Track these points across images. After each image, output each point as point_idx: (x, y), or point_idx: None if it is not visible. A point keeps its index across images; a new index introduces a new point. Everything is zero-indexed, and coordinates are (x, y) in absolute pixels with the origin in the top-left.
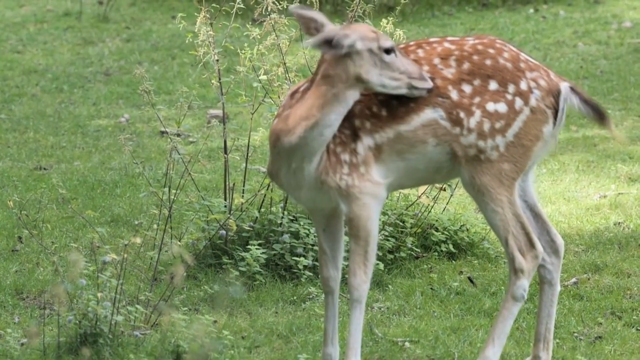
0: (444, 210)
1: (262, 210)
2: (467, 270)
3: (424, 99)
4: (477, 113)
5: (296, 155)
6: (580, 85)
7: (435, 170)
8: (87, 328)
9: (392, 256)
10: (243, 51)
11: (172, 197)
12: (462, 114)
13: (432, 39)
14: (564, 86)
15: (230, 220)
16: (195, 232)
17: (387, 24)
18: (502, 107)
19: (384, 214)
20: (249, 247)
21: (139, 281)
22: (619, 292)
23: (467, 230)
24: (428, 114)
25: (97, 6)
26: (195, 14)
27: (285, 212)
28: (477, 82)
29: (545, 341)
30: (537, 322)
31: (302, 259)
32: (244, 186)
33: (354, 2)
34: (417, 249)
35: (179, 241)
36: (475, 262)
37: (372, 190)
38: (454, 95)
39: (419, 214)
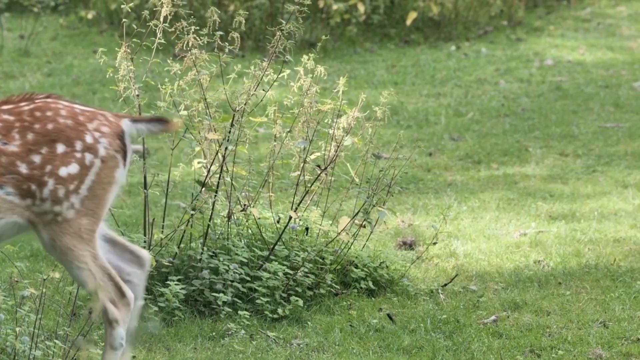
0: (363, 247)
1: (182, 245)
2: (387, 307)
3: None
4: (51, 182)
5: None
6: (502, 122)
7: None
8: None
9: (311, 293)
10: (164, 86)
11: None
12: (33, 187)
13: None
14: (125, 124)
15: (150, 256)
16: None
17: (309, 60)
18: (74, 168)
19: (303, 250)
20: (168, 282)
21: (58, 316)
22: (538, 330)
23: (387, 267)
24: None
25: (19, 40)
26: (116, 48)
27: (205, 248)
28: (45, 150)
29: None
30: None
31: (221, 295)
32: (163, 222)
33: (275, 38)
34: (336, 286)
35: None
36: (395, 299)
37: None
38: (23, 169)
39: (339, 251)
